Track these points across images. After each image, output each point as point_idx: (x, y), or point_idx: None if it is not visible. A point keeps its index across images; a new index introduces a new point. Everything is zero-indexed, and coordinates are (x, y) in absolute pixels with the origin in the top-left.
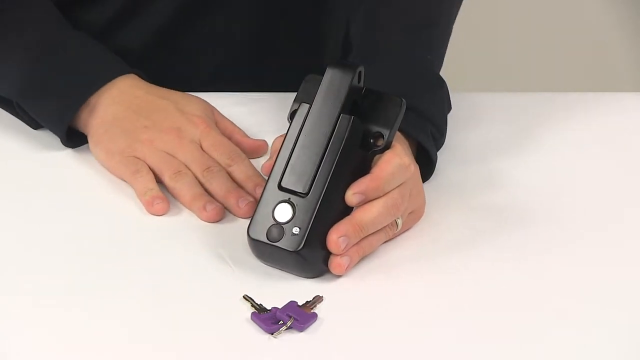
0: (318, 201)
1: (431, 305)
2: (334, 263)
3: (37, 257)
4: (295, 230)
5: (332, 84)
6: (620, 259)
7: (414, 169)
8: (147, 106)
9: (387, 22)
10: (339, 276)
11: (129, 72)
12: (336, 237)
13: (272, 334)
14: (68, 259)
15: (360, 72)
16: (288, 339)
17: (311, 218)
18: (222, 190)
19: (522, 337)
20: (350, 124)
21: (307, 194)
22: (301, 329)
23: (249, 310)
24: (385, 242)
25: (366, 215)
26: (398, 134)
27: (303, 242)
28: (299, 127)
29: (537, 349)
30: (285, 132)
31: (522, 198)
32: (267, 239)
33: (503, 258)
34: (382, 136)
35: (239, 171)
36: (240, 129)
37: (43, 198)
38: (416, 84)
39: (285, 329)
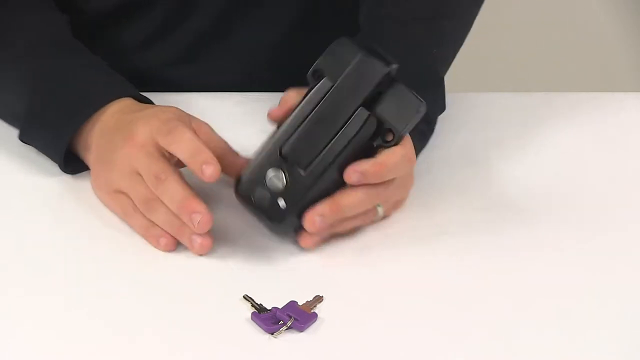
0: (313, 184)
1: (431, 305)
2: (304, 238)
3: (36, 256)
4: (282, 203)
5: (361, 74)
6: (620, 258)
7: (414, 163)
8: (109, 147)
9: (393, 11)
10: (339, 276)
11: (109, 100)
12: (313, 216)
13: (272, 334)
14: (68, 259)
15: (392, 69)
16: (288, 339)
17: (301, 199)
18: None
19: (523, 336)
20: (366, 120)
21: (304, 170)
22: (301, 329)
23: (249, 310)
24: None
25: (346, 199)
26: None
27: (285, 217)
28: (316, 102)
29: (538, 348)
30: (302, 97)
31: (522, 198)
32: (254, 199)
33: (504, 258)
34: (393, 133)
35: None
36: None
37: (44, 199)
38: (415, 78)
39: (285, 329)
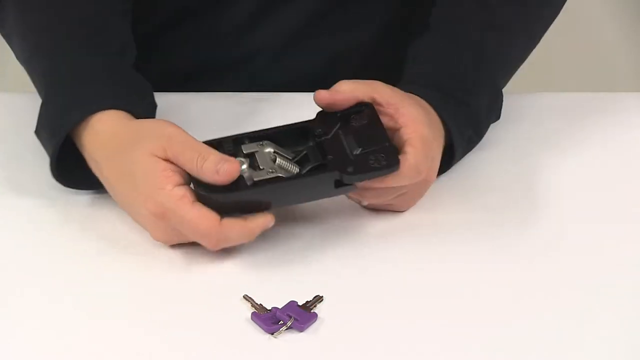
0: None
1: (431, 305)
2: None
3: (38, 257)
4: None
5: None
6: (620, 258)
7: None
8: (110, 188)
9: (470, 18)
10: (339, 276)
11: (92, 112)
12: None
13: (272, 334)
14: (68, 260)
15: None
16: (288, 339)
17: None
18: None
19: (523, 335)
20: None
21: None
22: (301, 329)
23: (249, 310)
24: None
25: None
26: (439, 123)
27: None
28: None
29: (539, 347)
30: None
31: (522, 197)
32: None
33: (505, 258)
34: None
35: None
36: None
37: (46, 202)
38: (474, 87)
39: (285, 329)
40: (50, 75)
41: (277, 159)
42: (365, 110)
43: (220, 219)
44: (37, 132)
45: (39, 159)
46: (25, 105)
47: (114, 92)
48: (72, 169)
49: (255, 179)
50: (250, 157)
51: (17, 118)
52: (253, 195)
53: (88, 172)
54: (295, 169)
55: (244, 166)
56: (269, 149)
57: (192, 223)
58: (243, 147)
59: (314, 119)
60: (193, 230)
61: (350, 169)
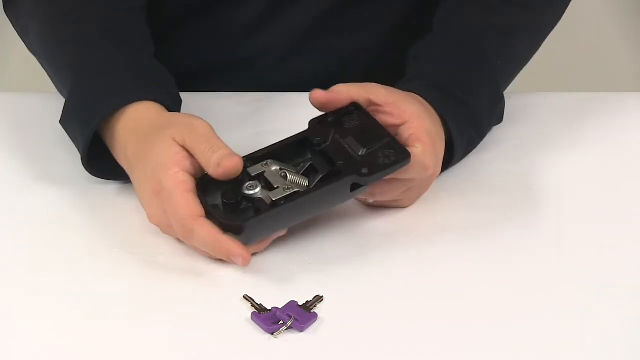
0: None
1: (431, 305)
2: None
3: (37, 257)
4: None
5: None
6: (621, 257)
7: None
8: (131, 176)
9: (470, 19)
10: (339, 276)
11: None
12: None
13: (272, 334)
14: (69, 260)
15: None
16: (288, 339)
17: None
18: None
19: (524, 335)
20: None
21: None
22: (301, 329)
23: (249, 310)
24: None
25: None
26: (439, 122)
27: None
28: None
29: (539, 347)
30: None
31: (522, 197)
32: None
33: (505, 258)
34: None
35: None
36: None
37: (45, 202)
38: (475, 90)
39: (285, 329)
40: (78, 66)
41: (287, 175)
42: (355, 111)
43: (204, 216)
44: (64, 120)
45: (39, 160)
46: (25, 105)
47: (148, 84)
48: (97, 158)
49: (273, 199)
50: (259, 178)
51: (17, 118)
52: (275, 217)
53: (109, 162)
54: (305, 182)
55: (258, 189)
56: (275, 167)
57: (175, 205)
58: (249, 170)
59: (307, 129)
60: (173, 212)
61: (365, 170)
